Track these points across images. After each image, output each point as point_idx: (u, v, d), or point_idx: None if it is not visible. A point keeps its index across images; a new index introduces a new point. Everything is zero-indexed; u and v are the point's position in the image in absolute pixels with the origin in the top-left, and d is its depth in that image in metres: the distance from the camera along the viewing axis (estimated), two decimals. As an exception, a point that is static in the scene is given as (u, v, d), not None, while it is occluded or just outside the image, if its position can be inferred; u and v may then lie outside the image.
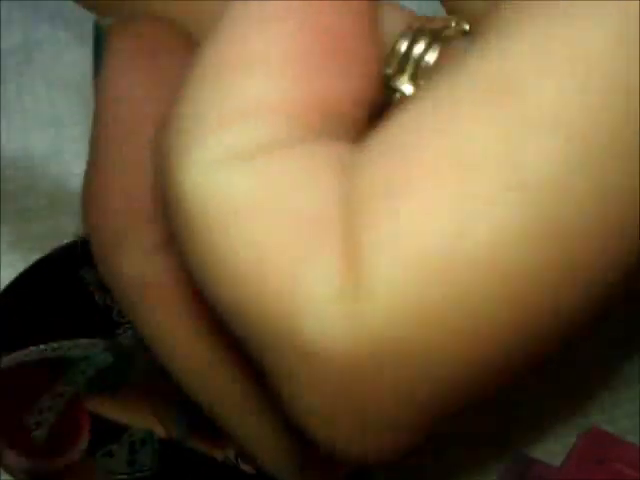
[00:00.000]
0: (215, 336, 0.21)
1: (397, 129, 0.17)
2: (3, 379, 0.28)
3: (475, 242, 0.16)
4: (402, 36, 0.21)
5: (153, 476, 0.26)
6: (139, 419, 0.27)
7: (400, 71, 0.21)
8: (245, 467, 0.26)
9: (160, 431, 0.27)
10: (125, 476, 0.26)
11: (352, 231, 0.16)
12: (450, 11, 0.22)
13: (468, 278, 0.16)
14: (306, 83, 0.18)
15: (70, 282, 0.30)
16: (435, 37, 0.21)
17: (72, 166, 0.34)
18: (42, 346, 0.28)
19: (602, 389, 0.29)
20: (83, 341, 0.28)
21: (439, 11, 0.23)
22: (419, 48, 0.21)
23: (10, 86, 0.36)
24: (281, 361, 0.17)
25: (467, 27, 0.21)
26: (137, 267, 0.21)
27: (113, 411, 0.27)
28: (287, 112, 0.18)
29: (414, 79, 0.21)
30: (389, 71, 0.21)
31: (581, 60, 0.16)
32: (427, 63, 0.21)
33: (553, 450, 0.28)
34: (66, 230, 0.32)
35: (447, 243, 0.16)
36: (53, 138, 0.34)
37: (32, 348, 0.28)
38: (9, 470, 0.26)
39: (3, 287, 0.30)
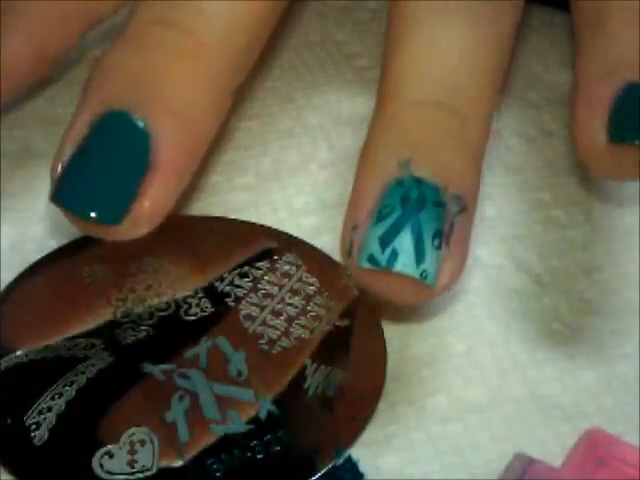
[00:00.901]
0: None
1: None
2: (3, 379, 0.28)
3: None
4: None
5: (153, 476, 0.26)
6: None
7: None
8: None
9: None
10: (125, 476, 0.26)
11: None
12: None
13: None
14: None
15: (70, 282, 0.30)
16: None
17: (72, 166, 0.34)
18: (42, 346, 0.28)
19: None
20: (83, 341, 0.28)
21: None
22: None
23: (10, 86, 0.36)
24: None
25: None
26: None
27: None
28: None
29: None
30: None
31: None
32: None
33: (553, 450, 0.28)
34: (66, 230, 0.32)
35: None
36: (53, 138, 0.34)
37: (32, 348, 0.28)
38: (10, 470, 0.26)
39: (3, 287, 0.30)
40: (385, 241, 0.26)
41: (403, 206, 0.27)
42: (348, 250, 0.27)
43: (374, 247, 0.27)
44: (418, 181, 0.27)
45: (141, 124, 0.27)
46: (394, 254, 0.26)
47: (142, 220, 0.28)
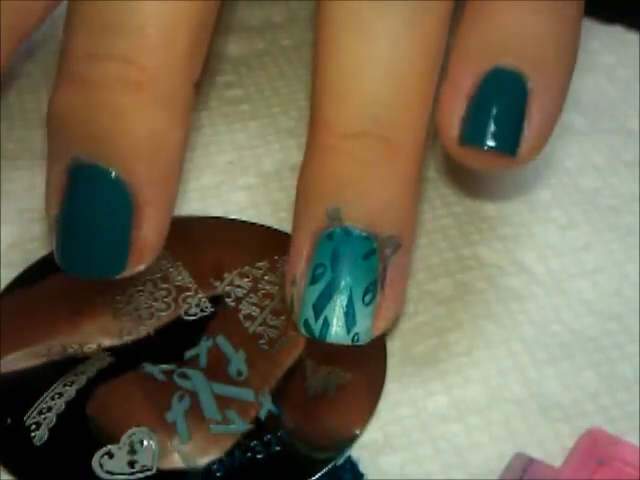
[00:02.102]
0: None
1: None
2: (3, 379, 0.28)
3: None
4: None
5: (153, 476, 0.26)
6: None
7: None
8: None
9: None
10: (125, 476, 0.26)
11: None
12: None
13: None
14: None
15: (70, 282, 0.30)
16: None
17: (72, 166, 0.34)
18: (42, 346, 0.28)
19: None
20: (83, 341, 0.28)
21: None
22: None
23: (10, 86, 0.36)
24: None
25: None
26: None
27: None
28: None
29: None
30: None
31: None
32: None
33: (553, 450, 0.28)
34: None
35: None
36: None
37: (32, 348, 0.28)
38: (10, 470, 0.26)
39: (3, 287, 0.30)
40: (318, 308, 0.27)
41: (333, 267, 0.27)
42: (290, 306, 0.28)
43: (309, 314, 0.27)
44: (348, 233, 0.27)
45: (114, 174, 0.27)
46: (326, 324, 0.27)
47: (142, 261, 0.28)
